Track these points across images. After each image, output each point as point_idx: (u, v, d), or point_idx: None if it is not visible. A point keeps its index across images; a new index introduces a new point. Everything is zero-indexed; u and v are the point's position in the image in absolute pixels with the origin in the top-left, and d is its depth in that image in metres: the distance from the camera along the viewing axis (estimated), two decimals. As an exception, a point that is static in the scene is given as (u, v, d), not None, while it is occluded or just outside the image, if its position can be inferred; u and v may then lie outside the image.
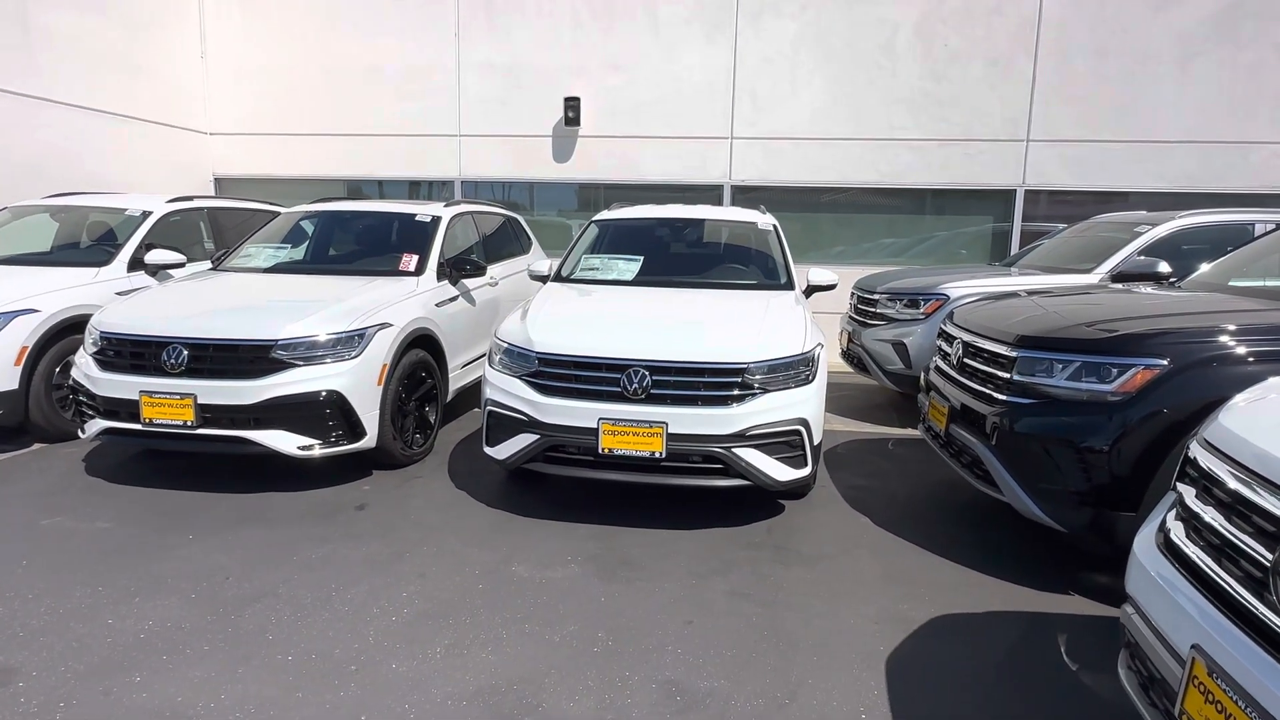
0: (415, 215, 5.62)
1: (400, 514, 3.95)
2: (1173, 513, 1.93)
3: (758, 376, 3.65)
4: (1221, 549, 1.69)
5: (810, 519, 4.03)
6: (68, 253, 5.84)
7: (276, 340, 4.00)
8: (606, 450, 3.61)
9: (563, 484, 4.34)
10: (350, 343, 4.16)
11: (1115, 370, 3.05)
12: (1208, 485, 1.80)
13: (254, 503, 4.04)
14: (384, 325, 4.34)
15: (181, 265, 5.65)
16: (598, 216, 5.62)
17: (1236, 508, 1.67)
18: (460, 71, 8.90)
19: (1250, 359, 2.90)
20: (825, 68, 8.40)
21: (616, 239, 5.41)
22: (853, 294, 6.65)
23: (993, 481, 3.41)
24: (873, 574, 3.42)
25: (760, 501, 4.14)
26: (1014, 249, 8.25)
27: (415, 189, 9.41)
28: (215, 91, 9.35)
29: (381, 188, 9.47)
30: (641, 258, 4.99)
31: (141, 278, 5.57)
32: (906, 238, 8.84)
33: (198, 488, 4.21)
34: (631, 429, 3.57)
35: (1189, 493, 1.87)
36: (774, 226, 5.32)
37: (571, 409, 3.65)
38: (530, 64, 8.76)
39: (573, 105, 8.60)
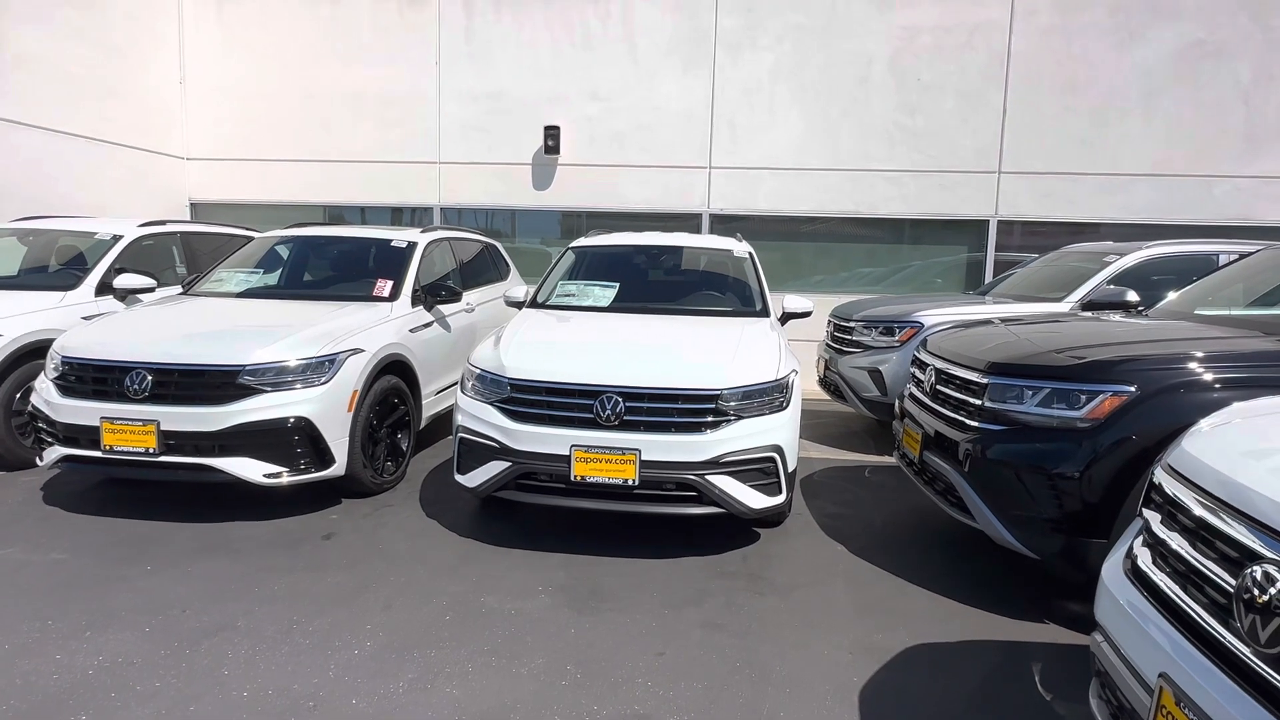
0: (391, 241, 5.60)
1: (368, 543, 3.86)
2: (1140, 539, 1.92)
3: (731, 403, 3.63)
4: (1187, 575, 1.68)
5: (785, 547, 3.99)
6: (34, 276, 5.73)
7: (244, 365, 3.93)
8: (579, 478, 3.56)
9: (535, 512, 4.27)
10: (320, 368, 4.10)
11: (1084, 397, 3.07)
12: (1172, 511, 1.79)
13: (217, 532, 3.93)
14: (355, 351, 4.28)
15: (151, 290, 5.56)
16: (575, 243, 5.63)
17: (1200, 534, 1.67)
18: (441, 99, 8.95)
19: (1216, 385, 2.93)
20: (802, 99, 8.55)
21: (593, 266, 5.41)
22: (829, 322, 6.69)
23: (966, 508, 3.40)
24: (847, 603, 3.39)
25: (735, 529, 4.09)
26: (988, 278, 8.37)
27: (398, 215, 9.39)
28: (193, 116, 9.32)
29: (364, 214, 9.44)
30: (617, 284, 4.99)
31: (110, 303, 5.47)
32: (883, 267, 8.94)
33: (159, 517, 4.09)
34: (604, 456, 3.53)
35: (1154, 518, 1.86)
36: (749, 254, 5.35)
37: (544, 435, 3.61)
38: (511, 92, 8.84)
39: (552, 134, 8.66)
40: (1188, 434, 1.93)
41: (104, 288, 5.54)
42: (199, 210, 9.47)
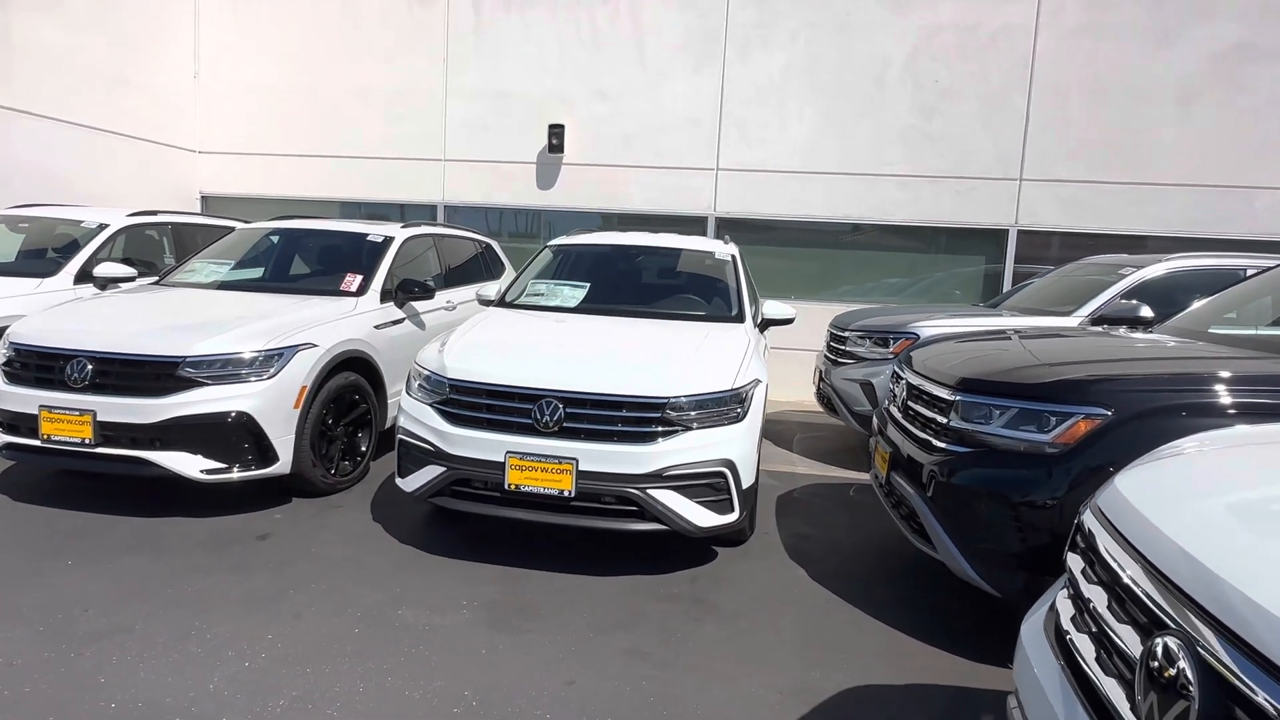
0: (367, 235, 5.48)
1: (302, 546, 3.71)
2: (1064, 591, 1.64)
3: (679, 413, 3.39)
4: (1100, 639, 1.40)
5: (741, 569, 3.72)
6: (15, 263, 5.75)
7: (184, 357, 3.81)
8: (513, 486, 3.36)
9: (483, 520, 4.06)
10: (265, 362, 3.96)
11: (1054, 419, 2.75)
12: (1093, 560, 1.51)
13: (152, 528, 3.81)
14: (306, 346, 4.14)
15: (131, 279, 5.53)
16: (553, 241, 5.44)
17: (1116, 590, 1.39)
18: (447, 96, 8.86)
19: (1208, 411, 2.60)
20: (814, 100, 8.25)
21: (569, 265, 5.21)
22: (828, 332, 6.38)
23: (928, 536, 3.11)
24: (793, 635, 3.11)
25: (690, 548, 3.84)
26: (1005, 289, 7.94)
27: (407, 213, 9.31)
28: (207, 110, 9.40)
29: (362, 210, 9.40)
30: (588, 285, 4.77)
31: (89, 291, 5.45)
32: (897, 277, 8.57)
33: (101, 509, 4.00)
34: (540, 464, 3.32)
35: (1078, 567, 1.58)
36: (733, 257, 5.09)
37: (479, 440, 3.41)
38: (516, 90, 8.71)
39: (556, 132, 8.50)
40: (1124, 469, 1.64)
41: (84, 276, 5.53)
42: (210, 203, 9.54)
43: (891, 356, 5.44)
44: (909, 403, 3.51)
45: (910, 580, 3.68)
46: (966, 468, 2.95)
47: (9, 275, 5.31)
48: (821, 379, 6.19)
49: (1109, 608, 1.40)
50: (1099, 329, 4.61)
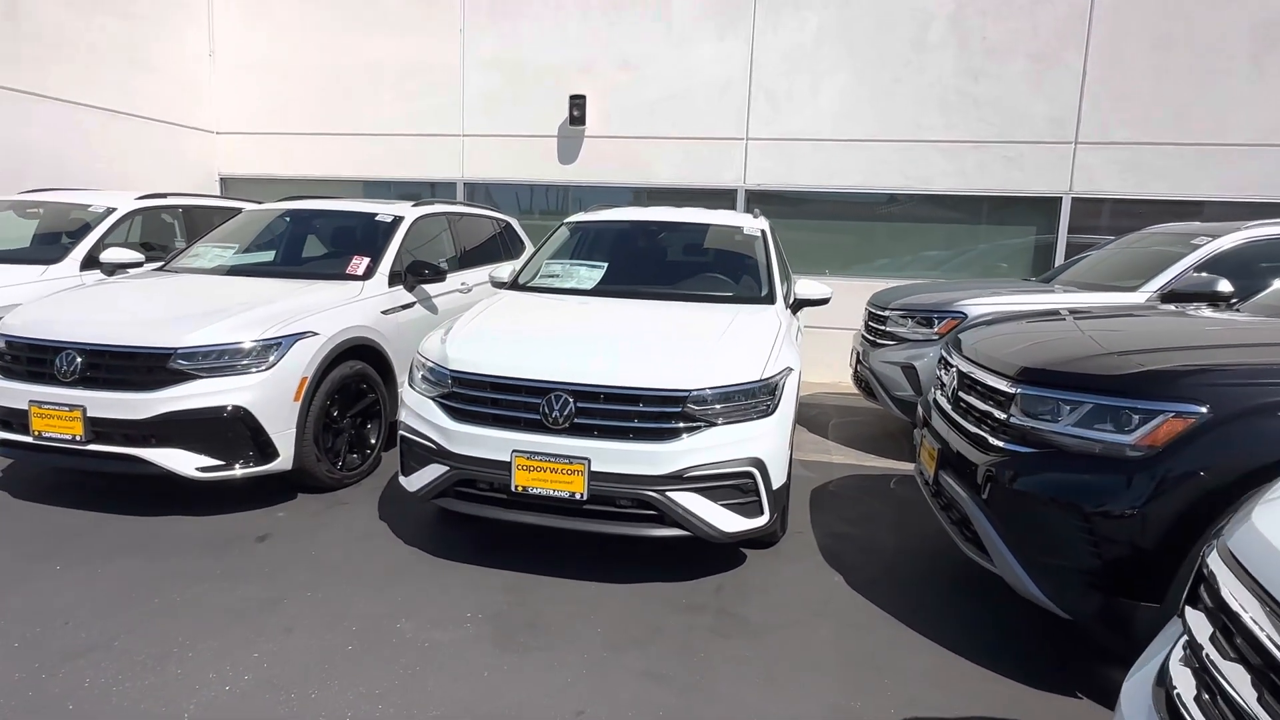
0: (376, 215, 5.21)
1: (301, 549, 3.49)
2: (1179, 654, 1.29)
3: (702, 407, 3.06)
4: (1244, 733, 1.06)
5: (772, 575, 3.40)
6: (21, 249, 5.61)
7: (175, 349, 3.59)
8: (520, 488, 3.08)
9: (495, 519, 3.81)
10: (262, 353, 3.73)
11: (1137, 417, 2.37)
12: (1227, 622, 1.16)
13: (150, 527, 3.63)
14: (305, 334, 3.90)
15: (139, 264, 5.35)
16: (570, 218, 5.10)
17: (1269, 673, 1.04)
18: (464, 68, 8.53)
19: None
20: (849, 64, 7.73)
21: (586, 243, 4.89)
22: (866, 311, 5.97)
23: (983, 546, 2.75)
24: (829, 653, 2.80)
25: (716, 551, 3.52)
26: (1058, 263, 7.41)
27: (431, 190, 9.05)
28: (222, 90, 9.20)
29: (392, 190, 9.15)
30: (606, 265, 4.44)
31: (96, 277, 5.29)
32: (938, 250, 8.07)
33: (101, 506, 3.83)
34: (548, 464, 3.03)
35: (1200, 626, 1.23)
36: (762, 232, 4.71)
37: (483, 438, 3.13)
38: (536, 61, 8.33)
39: (578, 103, 8.12)
40: (1260, 500, 1.28)
41: (90, 262, 5.37)
42: (229, 185, 9.38)
43: (936, 337, 5.04)
44: (959, 393, 3.14)
45: (962, 589, 3.33)
46: (1030, 471, 2.58)
47: (13, 262, 5.16)
48: (859, 361, 5.80)
49: (1254, 688, 1.05)
50: (1172, 307, 4.15)
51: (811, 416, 6.43)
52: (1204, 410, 2.27)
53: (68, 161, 7.30)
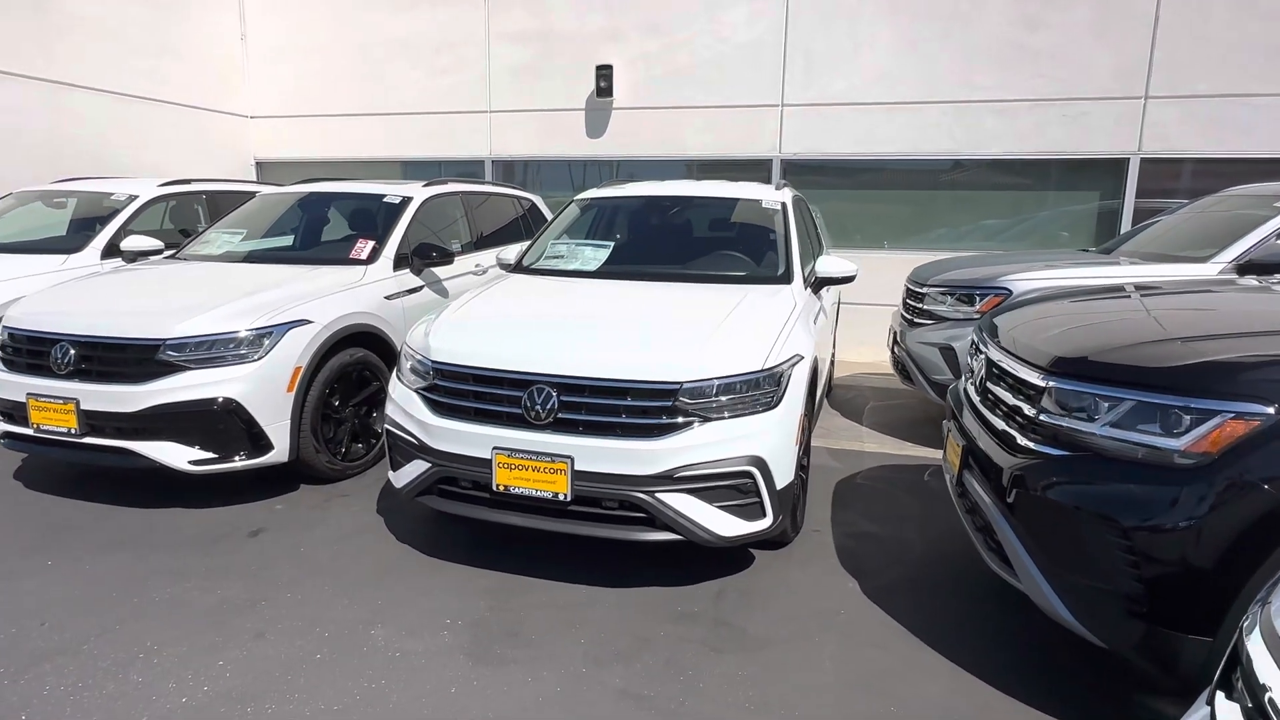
0: (384, 196, 5.06)
1: (290, 545, 3.39)
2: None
3: (695, 400, 2.80)
4: None
5: (779, 580, 3.14)
6: (45, 239, 5.68)
7: (164, 340, 3.51)
8: (501, 487, 2.88)
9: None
10: (253, 343, 3.63)
11: (1188, 418, 2.01)
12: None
13: (142, 521, 3.59)
14: (299, 322, 3.78)
15: (159, 252, 5.34)
16: (580, 195, 4.85)
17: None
18: (490, 42, 8.30)
19: None
20: (892, 19, 7.19)
21: (597, 221, 4.63)
22: (904, 287, 5.56)
23: (1006, 559, 2.43)
24: (833, 673, 2.53)
25: (722, 551, 3.27)
26: (1124, 230, 6.79)
27: (475, 169, 8.90)
28: (255, 73, 9.21)
29: (442, 168, 9.03)
30: (612, 244, 4.19)
31: (118, 265, 5.31)
32: (993, 219, 7.50)
33: (102, 498, 3.82)
34: (530, 462, 2.83)
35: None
36: (783, 205, 4.36)
37: (463, 433, 2.95)
38: (562, 30, 8.04)
39: (605, 74, 7.81)
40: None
41: (112, 250, 5.40)
42: (264, 169, 9.43)
43: (978, 316, 4.62)
44: (987, 384, 2.79)
45: (993, 602, 2.99)
46: (1060, 478, 2.24)
47: (35, 252, 5.22)
48: (896, 342, 5.41)
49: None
50: (1249, 280, 3.66)
51: (847, 400, 6.08)
52: (1271, 411, 1.90)
53: (102, 150, 7.41)
